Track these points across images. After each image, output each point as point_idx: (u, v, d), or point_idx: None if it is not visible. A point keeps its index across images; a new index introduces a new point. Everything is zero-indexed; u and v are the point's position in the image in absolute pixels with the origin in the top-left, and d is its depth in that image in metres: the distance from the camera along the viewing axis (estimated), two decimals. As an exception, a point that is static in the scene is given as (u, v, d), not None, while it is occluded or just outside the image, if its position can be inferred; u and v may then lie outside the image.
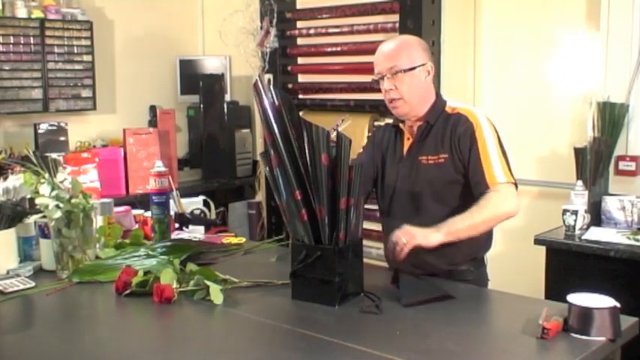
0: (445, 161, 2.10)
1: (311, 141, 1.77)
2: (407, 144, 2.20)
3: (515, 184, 2.07)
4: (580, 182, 3.06)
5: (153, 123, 4.59)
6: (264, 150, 1.88)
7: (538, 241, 2.90)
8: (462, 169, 2.09)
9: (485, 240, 2.18)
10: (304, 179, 1.79)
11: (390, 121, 2.31)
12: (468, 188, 2.08)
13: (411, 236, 1.91)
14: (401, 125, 2.23)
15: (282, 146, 1.79)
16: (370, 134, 2.34)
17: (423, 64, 2.13)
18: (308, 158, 1.78)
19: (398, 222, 2.05)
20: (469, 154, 2.07)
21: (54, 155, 3.48)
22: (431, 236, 1.93)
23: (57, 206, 2.04)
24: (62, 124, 4.18)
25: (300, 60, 4.51)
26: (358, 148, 2.30)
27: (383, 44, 2.18)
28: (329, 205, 1.78)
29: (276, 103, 1.79)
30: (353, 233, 1.83)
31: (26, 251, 2.23)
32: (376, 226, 2.53)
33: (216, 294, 1.83)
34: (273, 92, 1.81)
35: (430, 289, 1.90)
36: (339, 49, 4.13)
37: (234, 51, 4.50)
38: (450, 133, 2.11)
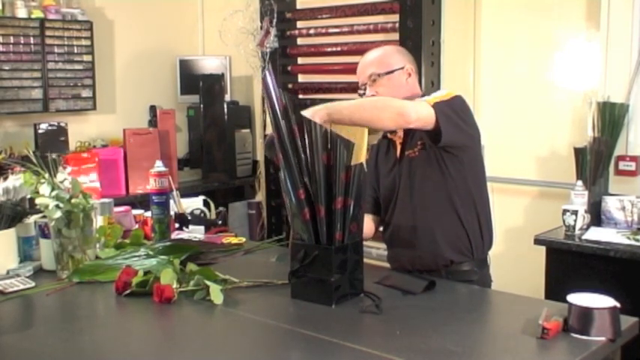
0: (421, 145, 2.11)
1: (311, 139, 1.77)
2: (399, 148, 2.22)
3: (435, 111, 1.94)
4: (580, 182, 3.06)
5: (153, 123, 4.59)
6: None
7: (538, 241, 2.90)
8: (428, 139, 2.06)
9: (484, 228, 2.17)
10: (307, 178, 1.79)
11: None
12: (457, 164, 2.08)
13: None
14: (390, 135, 2.25)
15: (288, 145, 1.79)
16: (367, 158, 2.35)
17: (402, 67, 2.16)
18: (309, 157, 1.78)
19: (403, 218, 2.13)
20: None
21: (54, 155, 3.47)
22: (315, 111, 1.86)
23: (57, 206, 2.03)
24: (62, 124, 4.18)
25: (300, 60, 4.52)
26: (359, 148, 2.29)
27: (362, 57, 2.23)
28: (327, 204, 1.78)
29: (283, 101, 1.79)
30: (353, 233, 1.83)
31: (26, 251, 2.22)
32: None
33: (216, 294, 1.83)
34: (280, 91, 1.81)
35: (408, 281, 1.95)
36: (339, 49, 4.14)
37: (234, 51, 4.51)
38: None
